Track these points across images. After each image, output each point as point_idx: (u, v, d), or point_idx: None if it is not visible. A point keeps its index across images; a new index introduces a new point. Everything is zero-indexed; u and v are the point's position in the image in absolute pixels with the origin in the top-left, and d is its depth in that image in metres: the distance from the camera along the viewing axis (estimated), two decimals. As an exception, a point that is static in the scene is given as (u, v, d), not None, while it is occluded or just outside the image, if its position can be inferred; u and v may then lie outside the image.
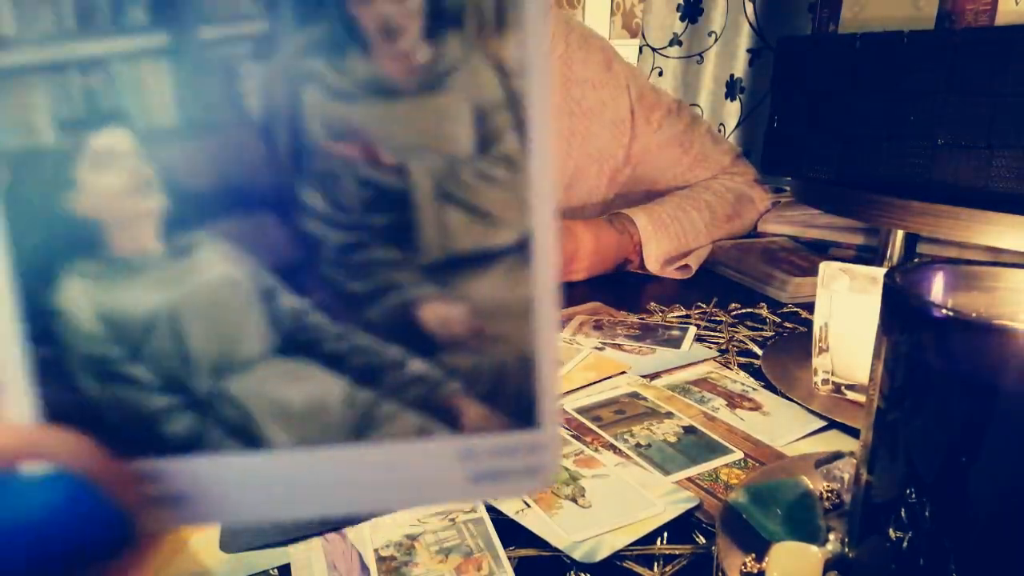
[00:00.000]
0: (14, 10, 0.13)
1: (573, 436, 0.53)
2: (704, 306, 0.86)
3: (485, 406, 0.14)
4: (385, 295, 0.14)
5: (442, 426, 0.14)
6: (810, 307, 0.71)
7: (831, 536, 0.37)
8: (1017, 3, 0.69)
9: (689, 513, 0.45)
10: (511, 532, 0.42)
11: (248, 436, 0.14)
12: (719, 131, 1.56)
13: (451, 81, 0.13)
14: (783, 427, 0.57)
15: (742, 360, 0.71)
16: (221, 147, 0.13)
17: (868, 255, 1.01)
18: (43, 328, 0.13)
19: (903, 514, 0.31)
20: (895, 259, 0.81)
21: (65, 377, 0.13)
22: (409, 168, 0.13)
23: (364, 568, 0.38)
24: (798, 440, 0.56)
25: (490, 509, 0.44)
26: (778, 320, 0.82)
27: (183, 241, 0.13)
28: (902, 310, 0.31)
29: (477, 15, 0.13)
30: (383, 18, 0.13)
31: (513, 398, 0.14)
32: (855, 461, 0.36)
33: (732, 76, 1.55)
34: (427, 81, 0.13)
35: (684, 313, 0.84)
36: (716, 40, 1.54)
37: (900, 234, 0.80)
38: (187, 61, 0.13)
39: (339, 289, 0.14)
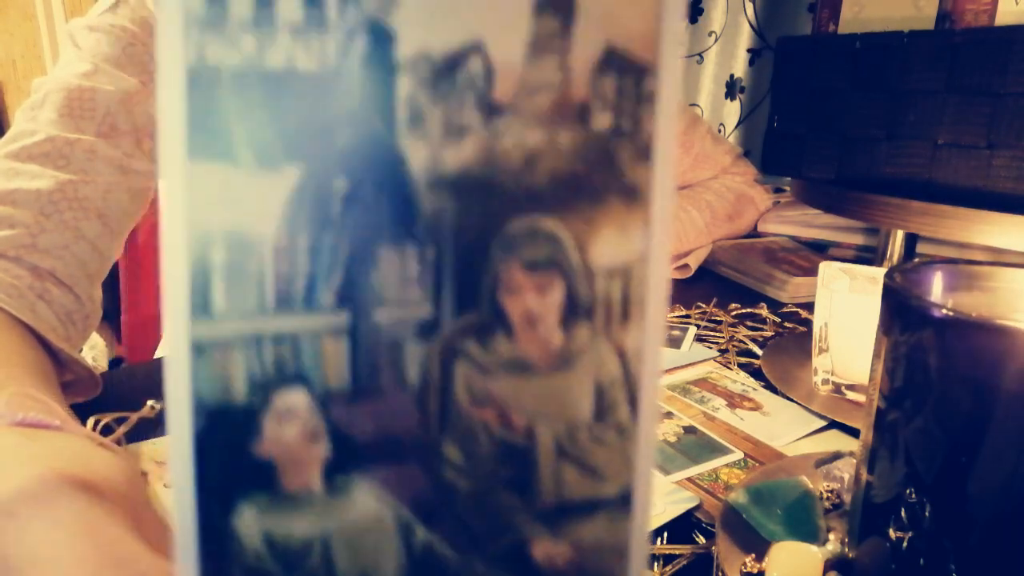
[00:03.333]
0: (227, 291, 0.15)
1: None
2: (704, 306, 0.86)
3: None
4: (503, 534, 0.16)
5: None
6: (810, 307, 0.71)
7: (831, 536, 0.37)
8: (1017, 3, 0.69)
9: (689, 513, 0.45)
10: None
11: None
12: (719, 131, 1.56)
13: (579, 362, 0.16)
14: (783, 427, 0.57)
15: (742, 360, 0.71)
16: (382, 408, 0.16)
17: (868, 255, 1.01)
18: (217, 545, 0.16)
19: (903, 514, 0.31)
20: (895, 259, 0.81)
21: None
22: (536, 431, 0.16)
23: None
24: (798, 440, 0.56)
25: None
26: (778, 320, 0.82)
27: (341, 482, 0.16)
28: (902, 310, 0.31)
29: (606, 309, 0.16)
30: (527, 309, 0.16)
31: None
32: (855, 461, 0.36)
33: (732, 76, 1.55)
34: (559, 361, 0.16)
35: (684, 313, 0.84)
36: (716, 40, 1.54)
37: (900, 234, 0.80)
38: (362, 337, 0.16)
39: (465, 527, 0.16)
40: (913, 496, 0.30)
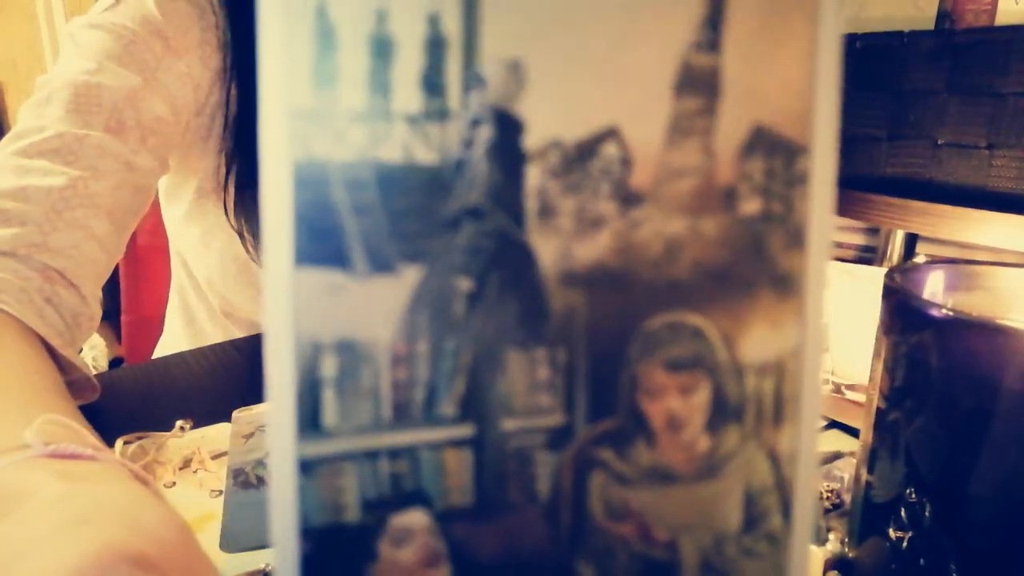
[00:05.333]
0: (339, 405, 0.14)
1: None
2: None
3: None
4: None
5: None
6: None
7: (831, 536, 0.37)
8: (1017, 3, 0.69)
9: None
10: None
11: None
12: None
13: (727, 468, 0.15)
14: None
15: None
16: (509, 525, 0.15)
17: (868, 255, 1.01)
18: None
19: (903, 514, 0.31)
20: (895, 259, 0.81)
21: None
22: (679, 544, 0.15)
23: None
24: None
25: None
26: (782, 323, 0.82)
27: None
28: (902, 310, 0.31)
29: (757, 410, 0.14)
30: (670, 412, 0.14)
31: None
32: (855, 461, 0.36)
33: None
34: (705, 468, 0.14)
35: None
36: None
37: (900, 234, 0.80)
38: (487, 449, 0.15)
39: None
40: (913, 496, 0.30)
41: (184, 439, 0.50)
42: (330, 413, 0.14)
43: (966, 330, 0.28)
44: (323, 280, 0.14)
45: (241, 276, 0.79)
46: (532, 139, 0.14)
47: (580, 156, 0.14)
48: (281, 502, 0.14)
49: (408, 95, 0.14)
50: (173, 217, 0.81)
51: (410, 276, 0.14)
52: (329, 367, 0.14)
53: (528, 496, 0.14)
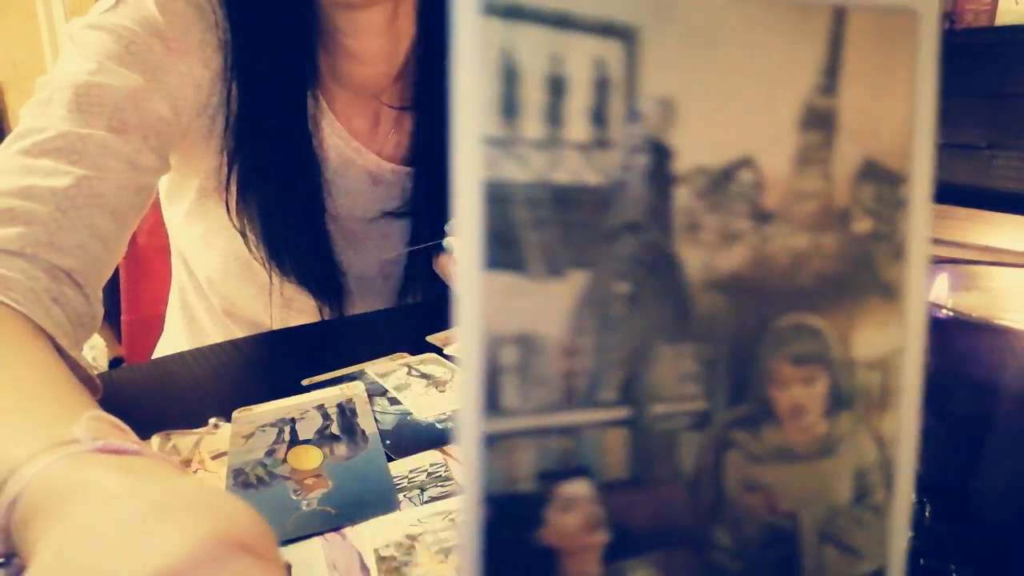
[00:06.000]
0: (516, 390, 0.16)
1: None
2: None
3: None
4: None
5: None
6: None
7: None
8: (1017, 3, 0.72)
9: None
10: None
11: None
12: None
13: (840, 448, 0.17)
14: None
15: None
16: (657, 496, 0.17)
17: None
18: None
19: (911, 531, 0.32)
20: (895, 256, 0.84)
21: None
22: (800, 514, 0.17)
23: (364, 568, 0.38)
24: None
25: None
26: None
27: (618, 567, 0.17)
28: None
29: (866, 399, 0.17)
30: (794, 400, 0.17)
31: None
32: None
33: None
34: (822, 449, 0.17)
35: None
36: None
37: (901, 232, 0.83)
38: (641, 430, 0.17)
39: None
40: (913, 496, 0.31)
41: (218, 435, 0.50)
42: (509, 396, 0.16)
43: (966, 330, 0.28)
44: (505, 282, 0.16)
45: (242, 275, 0.78)
46: (681, 165, 0.16)
47: (721, 180, 0.16)
48: (467, 473, 0.16)
49: (579, 127, 0.16)
50: (174, 216, 0.80)
51: (577, 280, 0.16)
52: (509, 357, 0.16)
53: (674, 471, 0.17)
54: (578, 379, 0.17)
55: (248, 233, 0.74)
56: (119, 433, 0.35)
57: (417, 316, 0.81)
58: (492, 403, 0.16)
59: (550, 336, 0.16)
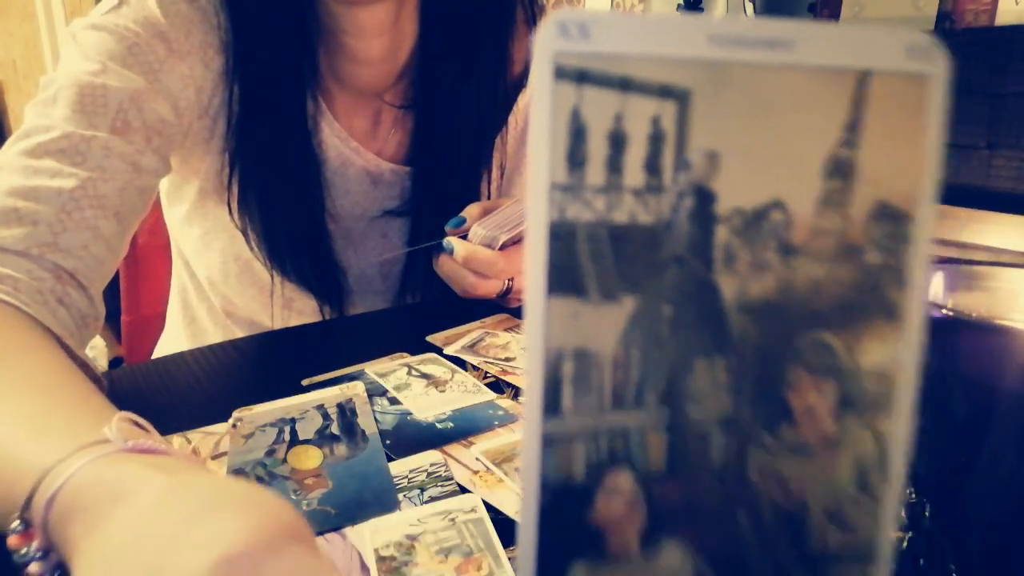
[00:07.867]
0: (574, 396, 0.19)
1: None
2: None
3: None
4: (778, 572, 0.21)
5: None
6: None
7: None
8: (1017, 3, 0.73)
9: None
10: (511, 532, 0.41)
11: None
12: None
13: (845, 444, 0.20)
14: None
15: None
16: (689, 485, 0.20)
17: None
18: None
19: (903, 514, 0.31)
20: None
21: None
22: (809, 500, 0.20)
23: (364, 568, 0.38)
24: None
25: (490, 509, 0.43)
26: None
27: (654, 545, 0.20)
28: None
29: (868, 402, 0.20)
30: (808, 405, 0.20)
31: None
32: None
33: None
34: (830, 445, 0.20)
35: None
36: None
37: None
38: (678, 430, 0.20)
39: (748, 570, 0.21)
40: (913, 496, 0.31)
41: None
42: (567, 401, 0.19)
43: (966, 330, 0.28)
44: (567, 306, 0.19)
45: (242, 276, 0.78)
46: (721, 207, 0.19)
47: (755, 220, 0.19)
48: (528, 466, 0.19)
49: (635, 175, 0.19)
50: (175, 217, 0.81)
51: (628, 304, 0.19)
52: (568, 369, 0.19)
53: (705, 464, 0.20)
54: (626, 388, 0.19)
55: (249, 232, 0.74)
56: (143, 433, 0.35)
57: (417, 316, 0.81)
58: (552, 408, 0.19)
59: (603, 351, 0.19)
